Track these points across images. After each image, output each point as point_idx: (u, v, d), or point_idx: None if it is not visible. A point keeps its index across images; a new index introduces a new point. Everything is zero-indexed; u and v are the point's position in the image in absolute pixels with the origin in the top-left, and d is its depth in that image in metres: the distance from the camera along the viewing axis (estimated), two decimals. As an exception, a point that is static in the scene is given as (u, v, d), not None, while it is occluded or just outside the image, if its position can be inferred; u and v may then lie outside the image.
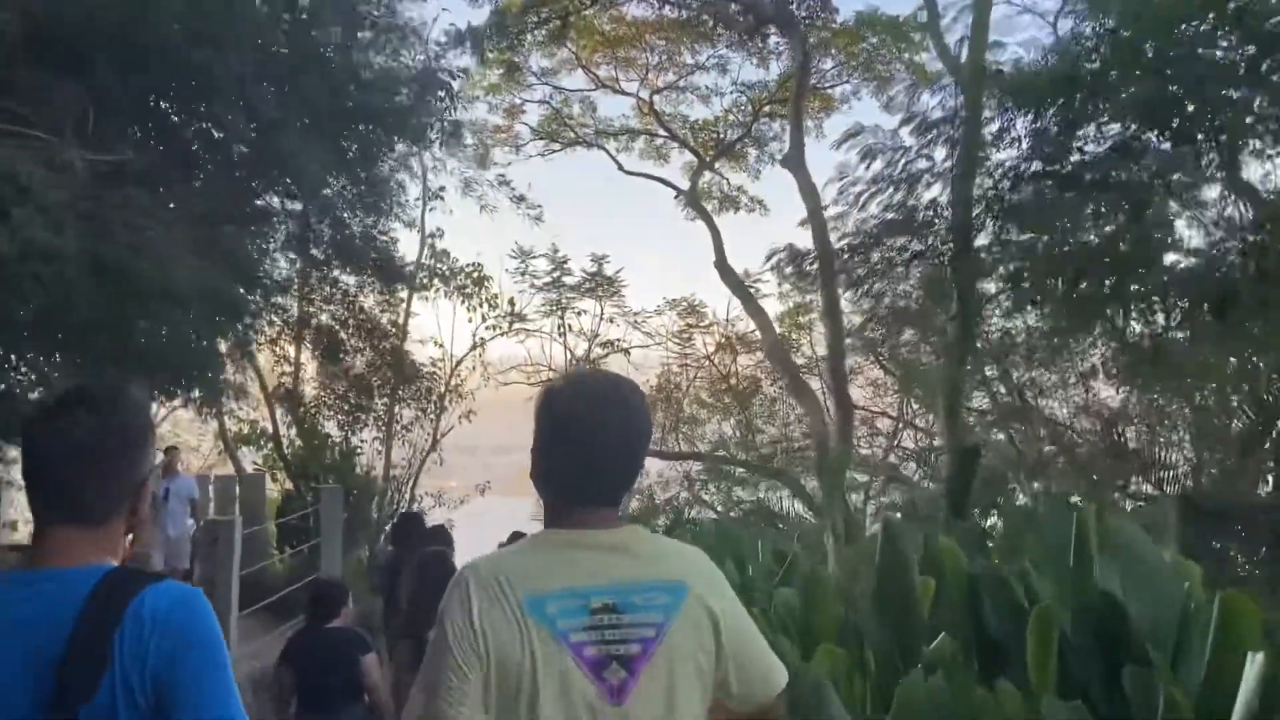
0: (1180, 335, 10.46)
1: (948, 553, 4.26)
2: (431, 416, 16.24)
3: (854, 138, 11.67)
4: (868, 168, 11.67)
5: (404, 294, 15.65)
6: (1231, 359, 11.55)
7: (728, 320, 21.51)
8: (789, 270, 14.93)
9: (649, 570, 1.66)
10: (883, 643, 3.80)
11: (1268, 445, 11.60)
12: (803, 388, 16.57)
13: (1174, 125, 9.26)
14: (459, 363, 17.93)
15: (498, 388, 22.47)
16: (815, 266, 14.42)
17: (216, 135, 7.19)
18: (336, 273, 12.88)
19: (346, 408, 15.09)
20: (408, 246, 16.25)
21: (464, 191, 19.02)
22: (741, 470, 21.02)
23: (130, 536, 1.65)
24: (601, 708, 1.55)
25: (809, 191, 15.03)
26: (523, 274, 21.08)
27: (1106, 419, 13.47)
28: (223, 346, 8.87)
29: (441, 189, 16.92)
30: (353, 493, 13.54)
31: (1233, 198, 9.65)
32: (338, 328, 14.94)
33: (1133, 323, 10.93)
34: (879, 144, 11.38)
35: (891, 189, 11.14)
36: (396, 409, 15.55)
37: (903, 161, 10.89)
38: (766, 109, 21.23)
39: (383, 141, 8.30)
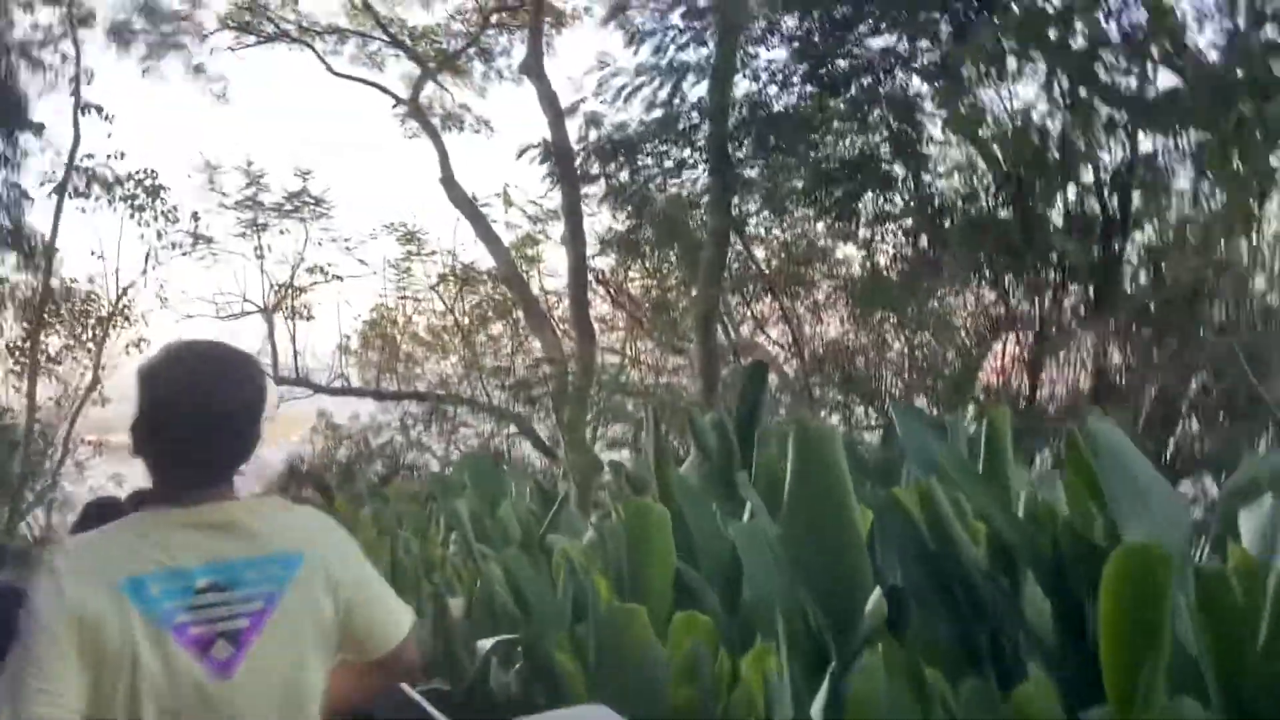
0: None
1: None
2: (90, 346, 13.23)
3: (622, 13, 10.43)
4: (635, 52, 10.45)
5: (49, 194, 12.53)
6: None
7: (453, 250, 19.67)
8: (544, 171, 13.28)
9: (261, 545, 1.64)
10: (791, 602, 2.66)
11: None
12: (540, 319, 15.29)
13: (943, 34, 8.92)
14: (128, 287, 14.92)
15: (179, 320, 19.28)
16: (556, 179, 13.16)
17: None
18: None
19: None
20: (58, 142, 13.02)
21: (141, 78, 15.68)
22: (467, 411, 19.51)
23: None
24: (208, 685, 1.56)
25: (550, 100, 13.69)
26: (211, 189, 18.12)
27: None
28: None
29: (87, 74, 13.69)
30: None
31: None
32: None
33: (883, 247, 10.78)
34: (648, 27, 10.22)
35: (658, 82, 10.07)
36: (41, 336, 12.43)
37: (672, 47, 9.83)
38: (495, 19, 19.49)
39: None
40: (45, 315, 12.49)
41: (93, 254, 13.96)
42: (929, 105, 9.80)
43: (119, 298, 14.05)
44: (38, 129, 11.12)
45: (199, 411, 1.63)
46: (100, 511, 4.47)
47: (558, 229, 18.86)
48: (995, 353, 13.28)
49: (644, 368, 20.04)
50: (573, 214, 13.48)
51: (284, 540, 1.67)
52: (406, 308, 20.52)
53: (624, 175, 11.32)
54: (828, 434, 2.59)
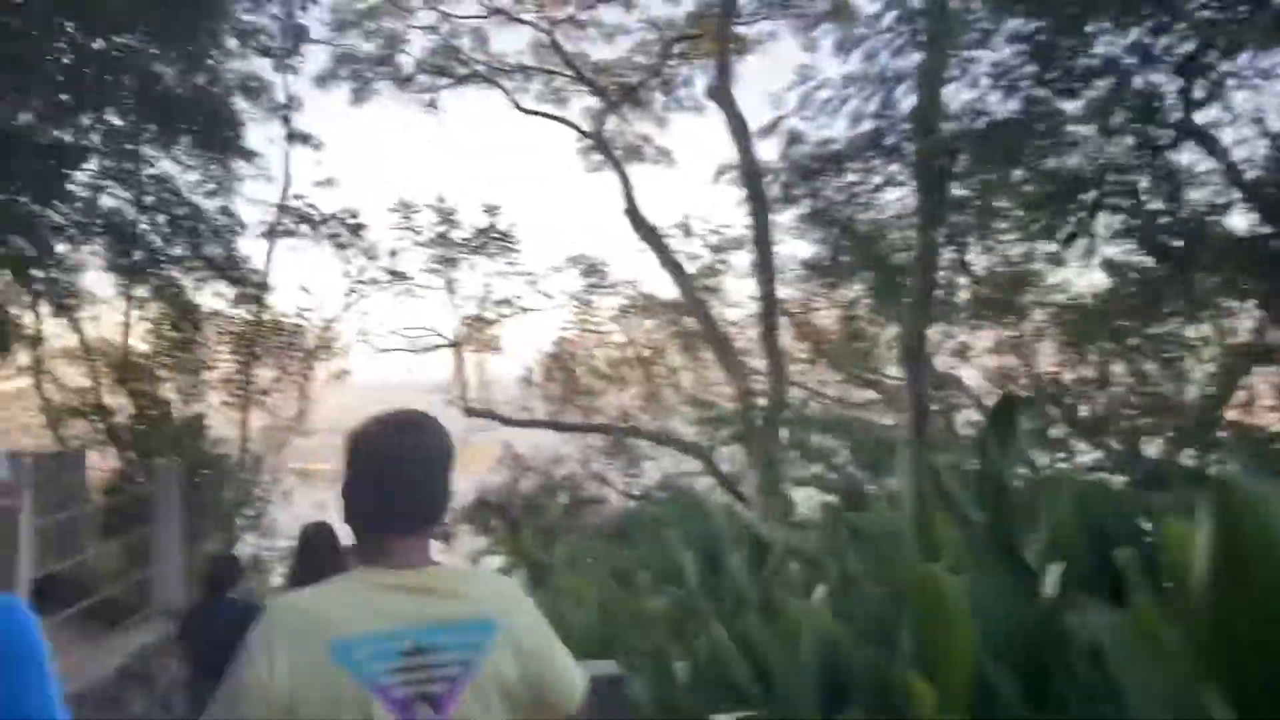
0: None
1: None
2: (297, 379, 13.76)
3: (830, 20, 9.83)
4: (845, 60, 9.77)
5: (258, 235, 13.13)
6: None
7: (633, 281, 19.54)
8: (733, 197, 12.77)
9: (458, 609, 1.72)
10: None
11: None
12: (727, 351, 14.81)
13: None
14: (331, 320, 15.54)
15: (375, 354, 20.02)
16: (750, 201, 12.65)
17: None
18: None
19: (190, 367, 12.44)
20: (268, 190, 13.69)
21: (345, 122, 16.41)
22: (651, 444, 19.20)
23: None
24: None
25: (739, 123, 13.25)
26: (405, 226, 18.79)
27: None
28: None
29: (295, 102, 14.30)
30: (199, 472, 11.02)
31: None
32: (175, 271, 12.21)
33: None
34: (862, 31, 9.47)
35: (868, 91, 9.38)
36: (252, 370, 13.00)
37: (884, 53, 9.11)
38: (676, 49, 19.36)
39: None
40: (256, 349, 13.03)
41: (302, 289, 14.59)
42: (1175, 107, 8.64)
43: (325, 330, 14.59)
44: (249, 155, 11.56)
45: (403, 468, 1.75)
46: (318, 532, 5.18)
47: (738, 259, 18.51)
48: (1246, 386, 11.74)
49: (828, 401, 19.19)
50: (761, 241, 12.92)
51: (480, 607, 1.73)
52: (589, 340, 20.55)
53: (827, 194, 10.64)
54: (1267, 496, 1.87)
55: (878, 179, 10.04)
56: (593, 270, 19.71)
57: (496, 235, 19.17)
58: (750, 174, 12.91)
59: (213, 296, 12.86)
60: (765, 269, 13.14)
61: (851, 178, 10.23)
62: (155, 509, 9.83)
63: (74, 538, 10.37)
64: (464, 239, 19.19)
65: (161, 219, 11.24)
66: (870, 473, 12.29)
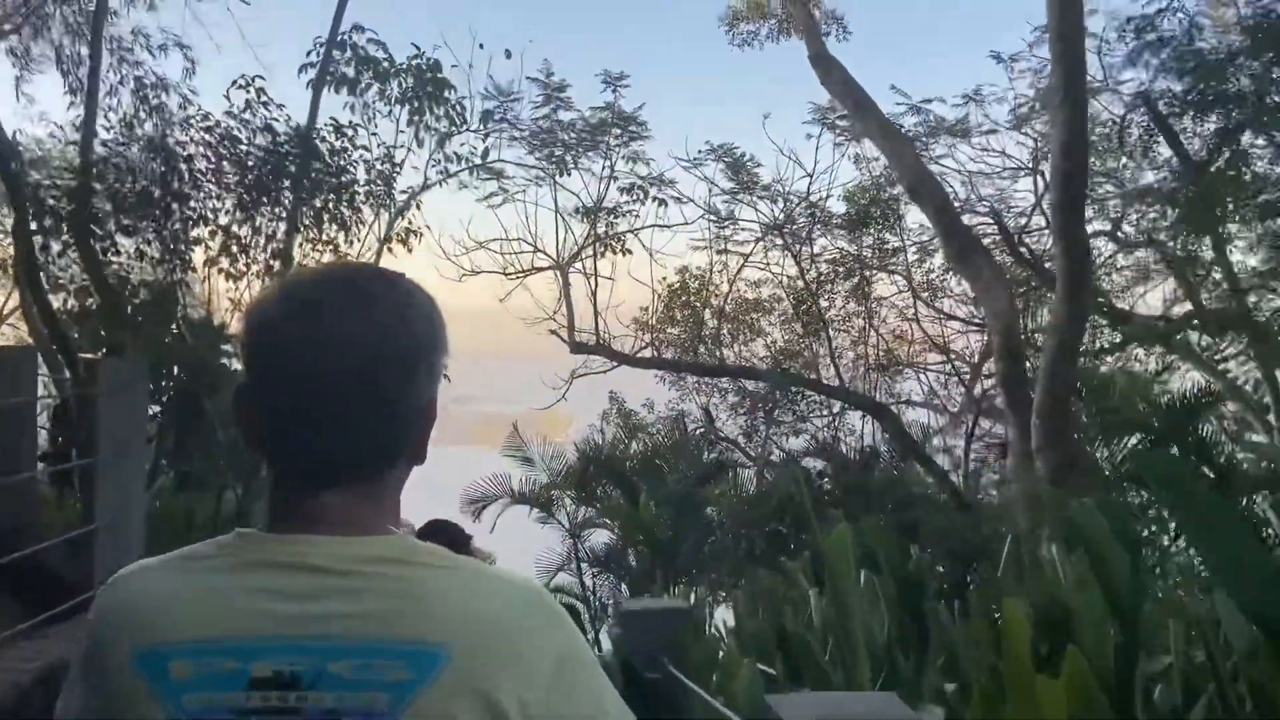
0: None
1: None
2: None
3: None
4: None
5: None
6: None
7: (811, 174, 14.63)
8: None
9: (381, 619, 0.92)
10: None
11: None
12: (977, 263, 9.95)
13: None
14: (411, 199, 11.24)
15: (460, 277, 15.77)
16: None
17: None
18: None
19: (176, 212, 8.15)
20: None
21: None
22: (814, 395, 14.62)
23: None
24: None
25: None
26: (498, 117, 14.28)
27: None
28: None
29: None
30: (171, 374, 6.83)
31: None
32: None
33: None
34: None
35: None
36: (300, 213, 8.71)
37: None
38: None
39: None
40: (301, 192, 8.75)
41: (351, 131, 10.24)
42: None
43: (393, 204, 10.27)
44: None
45: (318, 355, 0.95)
46: (436, 533, 3.73)
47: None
48: None
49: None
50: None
51: (424, 615, 0.93)
52: (730, 263, 15.86)
53: None
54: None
55: None
56: (738, 167, 14.95)
57: (620, 117, 14.69)
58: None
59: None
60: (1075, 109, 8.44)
61: None
62: (97, 436, 5.75)
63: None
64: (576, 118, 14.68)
65: None
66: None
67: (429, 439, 1.03)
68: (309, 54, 11.16)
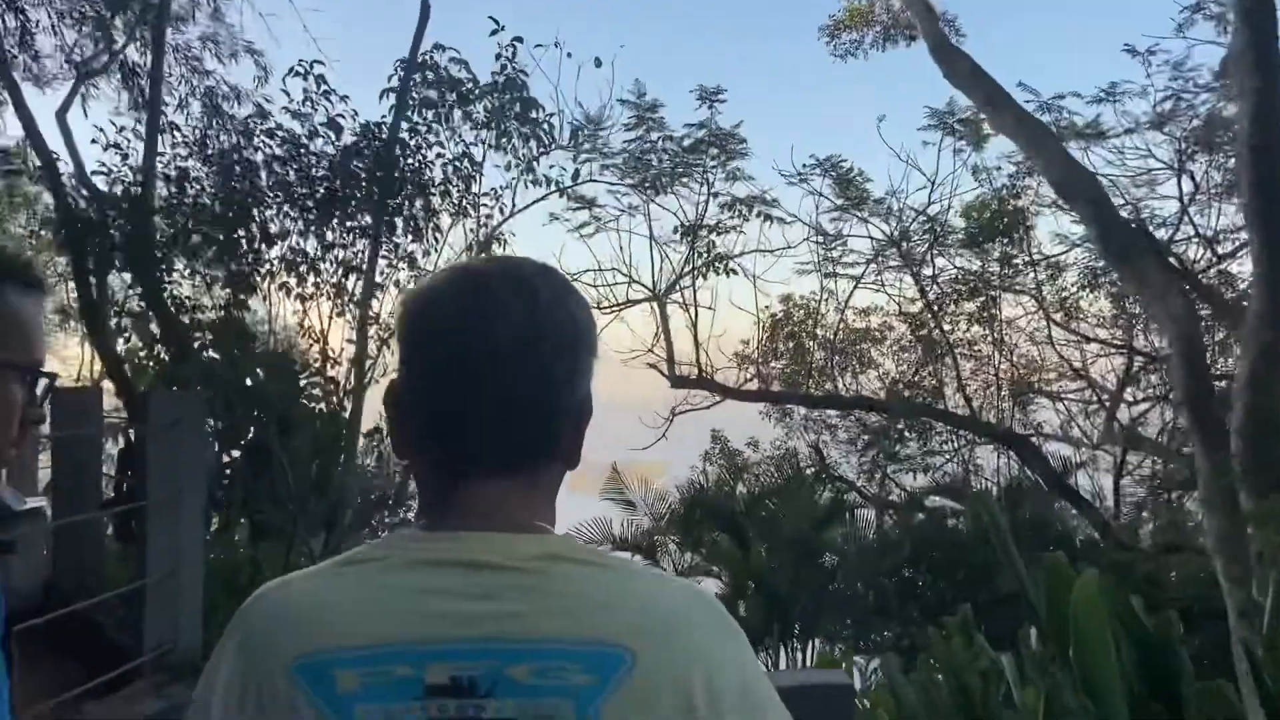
0: None
1: None
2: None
3: None
4: None
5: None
6: None
7: (931, 183, 13.41)
8: None
9: (561, 618, 0.87)
10: None
11: None
12: (1144, 263, 8.60)
13: None
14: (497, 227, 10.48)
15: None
16: None
17: None
18: None
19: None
20: None
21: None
22: (938, 428, 13.27)
23: None
24: None
25: None
26: (587, 147, 13.46)
27: None
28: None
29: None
30: (251, 414, 6.05)
31: None
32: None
33: None
34: None
35: None
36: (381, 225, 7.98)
37: None
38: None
39: None
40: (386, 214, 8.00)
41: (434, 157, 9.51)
42: None
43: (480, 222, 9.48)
44: None
45: (480, 343, 0.93)
46: None
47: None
48: None
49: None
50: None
51: (602, 617, 0.88)
52: (838, 287, 14.66)
53: None
54: None
55: None
56: (845, 181, 13.82)
57: (718, 135, 13.77)
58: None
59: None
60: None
61: None
62: (148, 476, 4.97)
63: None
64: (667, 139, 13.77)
65: None
66: None
67: (583, 440, 0.97)
68: (390, 78, 10.64)
